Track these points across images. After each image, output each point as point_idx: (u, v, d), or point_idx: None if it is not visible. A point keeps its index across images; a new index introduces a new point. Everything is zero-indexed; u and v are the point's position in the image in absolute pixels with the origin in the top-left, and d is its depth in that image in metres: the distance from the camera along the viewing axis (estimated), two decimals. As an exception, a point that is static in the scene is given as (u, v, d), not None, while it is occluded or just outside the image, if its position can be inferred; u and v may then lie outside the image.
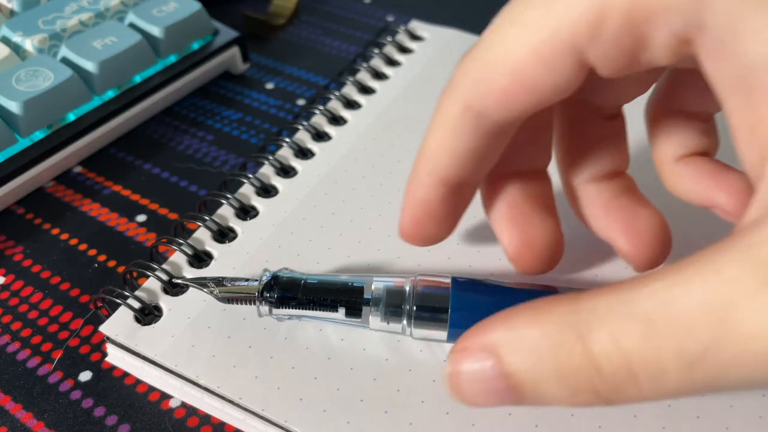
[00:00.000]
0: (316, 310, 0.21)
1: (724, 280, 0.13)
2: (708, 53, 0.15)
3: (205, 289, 0.22)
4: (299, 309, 0.22)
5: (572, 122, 0.22)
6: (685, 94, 0.21)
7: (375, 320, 0.21)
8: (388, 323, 0.21)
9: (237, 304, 0.22)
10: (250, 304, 0.22)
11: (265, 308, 0.22)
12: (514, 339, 0.15)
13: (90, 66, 0.31)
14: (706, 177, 0.21)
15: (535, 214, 0.22)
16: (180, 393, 0.23)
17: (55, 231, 0.29)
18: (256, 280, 0.22)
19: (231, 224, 0.27)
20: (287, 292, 0.22)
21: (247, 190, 0.28)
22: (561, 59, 0.16)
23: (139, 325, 0.23)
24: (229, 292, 0.22)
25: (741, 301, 0.12)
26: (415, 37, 0.37)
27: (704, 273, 0.13)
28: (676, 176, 0.21)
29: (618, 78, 0.17)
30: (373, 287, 0.21)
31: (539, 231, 0.21)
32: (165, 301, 0.24)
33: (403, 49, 0.36)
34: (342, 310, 0.21)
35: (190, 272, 0.25)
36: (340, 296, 0.21)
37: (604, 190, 0.22)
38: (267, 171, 0.29)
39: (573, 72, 0.16)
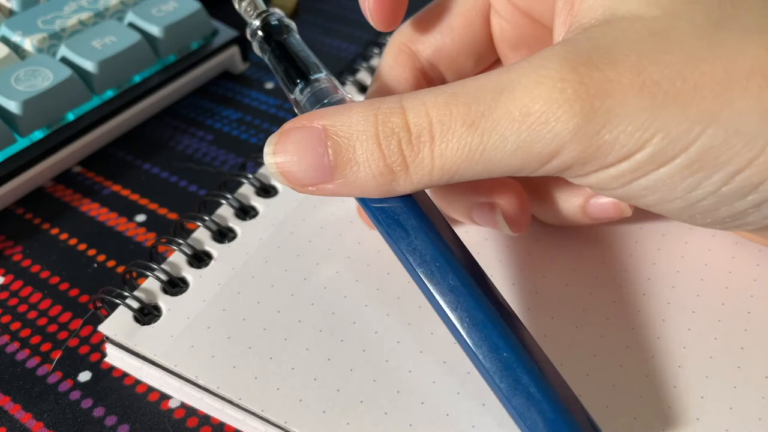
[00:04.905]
0: (276, 61, 0.23)
1: (511, 71, 0.17)
2: None
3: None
4: (267, 54, 0.23)
5: None
6: None
7: (297, 95, 0.22)
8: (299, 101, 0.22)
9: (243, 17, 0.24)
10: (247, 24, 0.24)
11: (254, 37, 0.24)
12: (343, 113, 0.19)
13: (89, 66, 0.31)
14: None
15: None
16: (179, 393, 0.23)
17: (55, 231, 0.29)
18: (269, 14, 0.24)
19: (230, 224, 0.27)
20: (269, 34, 0.23)
21: (246, 190, 0.28)
22: None
23: (138, 325, 0.23)
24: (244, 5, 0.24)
25: (516, 87, 0.17)
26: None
27: (503, 70, 0.18)
28: None
29: None
30: (319, 78, 0.22)
31: None
32: (164, 301, 0.24)
33: (403, 49, 0.36)
34: (284, 75, 0.23)
35: (189, 272, 0.25)
36: (295, 66, 0.23)
37: None
38: (267, 171, 0.29)
39: None
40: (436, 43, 0.25)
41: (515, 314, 0.19)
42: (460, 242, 0.20)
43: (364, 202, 0.20)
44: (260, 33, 0.23)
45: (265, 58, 0.24)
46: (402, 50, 0.25)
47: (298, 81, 0.22)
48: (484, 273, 0.19)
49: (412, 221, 0.19)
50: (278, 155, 0.19)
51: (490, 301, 0.18)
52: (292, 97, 0.22)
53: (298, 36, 0.24)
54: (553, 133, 0.17)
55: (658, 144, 0.16)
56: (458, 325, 0.18)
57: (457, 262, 0.19)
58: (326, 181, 0.19)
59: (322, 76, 0.22)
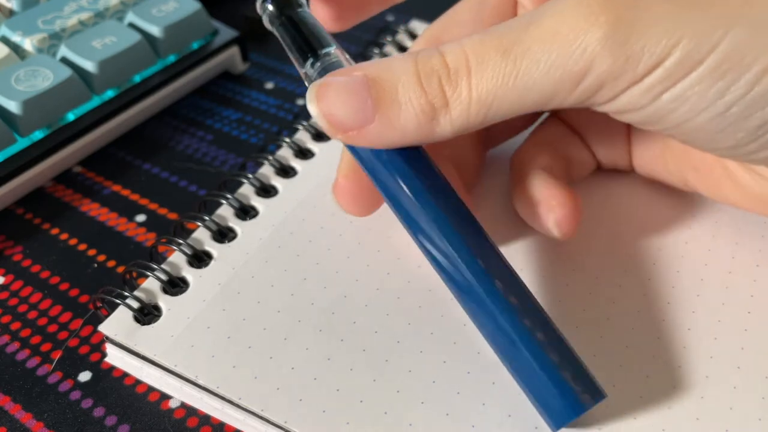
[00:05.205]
0: (286, 35, 0.23)
1: (538, 8, 0.18)
2: None
3: None
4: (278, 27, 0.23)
5: None
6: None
7: (308, 70, 0.22)
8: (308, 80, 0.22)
9: None
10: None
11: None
12: (383, 62, 0.20)
13: (89, 66, 0.31)
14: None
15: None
16: (179, 393, 0.23)
17: (55, 231, 0.29)
18: None
19: (230, 224, 0.27)
20: (279, 8, 0.23)
21: (246, 190, 0.28)
22: None
23: (138, 324, 0.23)
24: None
25: (543, 16, 0.18)
26: (414, 37, 0.37)
27: (531, 10, 0.19)
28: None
29: None
30: (330, 54, 0.22)
31: None
32: (164, 301, 0.24)
33: (403, 49, 0.36)
34: (296, 49, 0.23)
35: (189, 272, 0.25)
36: (306, 40, 0.23)
37: None
38: (267, 171, 0.29)
39: None
40: (467, 33, 0.25)
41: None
42: (464, 205, 0.20)
43: (377, 159, 0.20)
44: (270, 7, 0.23)
45: (275, 32, 0.24)
46: (431, 42, 0.25)
47: (309, 55, 0.22)
48: (486, 233, 0.20)
49: (417, 175, 0.20)
50: (321, 101, 0.20)
51: (494, 260, 0.20)
52: (303, 71, 0.22)
53: (308, 9, 0.24)
54: (583, 46, 0.17)
55: (685, 48, 0.17)
56: (462, 288, 0.19)
57: (468, 228, 0.20)
58: (368, 123, 0.19)
59: (333, 50, 0.22)
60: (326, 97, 0.20)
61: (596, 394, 0.19)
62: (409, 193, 0.20)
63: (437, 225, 0.20)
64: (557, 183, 0.23)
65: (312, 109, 0.20)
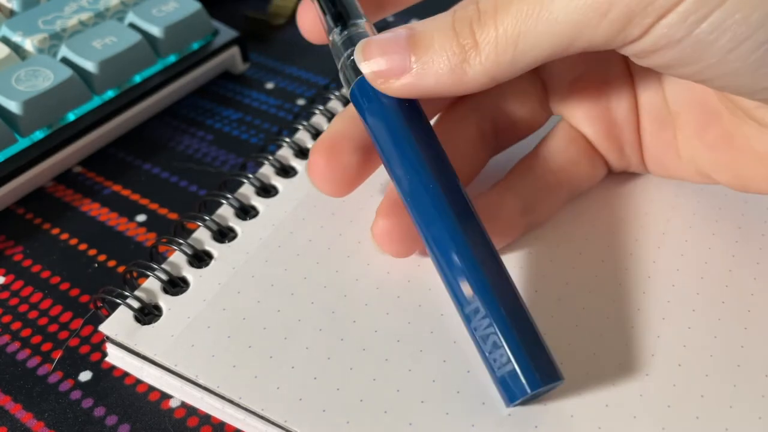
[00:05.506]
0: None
1: None
2: None
3: None
4: None
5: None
6: None
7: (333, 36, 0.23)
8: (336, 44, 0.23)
9: None
10: None
11: None
12: (428, 19, 0.21)
13: (90, 66, 0.31)
14: None
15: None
16: (180, 393, 0.23)
17: (55, 231, 0.29)
18: None
19: (231, 224, 0.27)
20: None
21: (246, 190, 0.28)
22: None
23: (138, 324, 0.23)
24: None
25: None
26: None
27: None
28: None
29: None
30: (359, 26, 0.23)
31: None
32: (165, 301, 0.24)
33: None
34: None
35: (189, 272, 0.25)
36: (337, 7, 0.23)
37: None
38: (267, 171, 0.29)
39: None
40: None
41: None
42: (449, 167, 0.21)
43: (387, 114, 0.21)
44: None
45: None
46: None
47: (339, 23, 0.23)
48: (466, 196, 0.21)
49: (409, 122, 0.21)
50: (366, 50, 0.21)
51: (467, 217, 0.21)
52: (330, 37, 0.23)
53: None
54: None
55: None
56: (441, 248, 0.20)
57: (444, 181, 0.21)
58: (407, 71, 0.20)
59: (363, 22, 0.23)
60: (371, 47, 0.21)
61: (554, 375, 0.19)
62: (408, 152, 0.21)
63: (431, 185, 0.21)
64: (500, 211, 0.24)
65: (357, 56, 0.21)
